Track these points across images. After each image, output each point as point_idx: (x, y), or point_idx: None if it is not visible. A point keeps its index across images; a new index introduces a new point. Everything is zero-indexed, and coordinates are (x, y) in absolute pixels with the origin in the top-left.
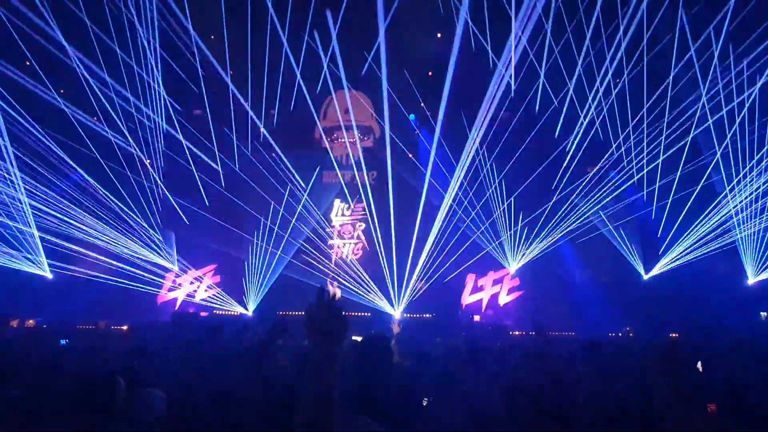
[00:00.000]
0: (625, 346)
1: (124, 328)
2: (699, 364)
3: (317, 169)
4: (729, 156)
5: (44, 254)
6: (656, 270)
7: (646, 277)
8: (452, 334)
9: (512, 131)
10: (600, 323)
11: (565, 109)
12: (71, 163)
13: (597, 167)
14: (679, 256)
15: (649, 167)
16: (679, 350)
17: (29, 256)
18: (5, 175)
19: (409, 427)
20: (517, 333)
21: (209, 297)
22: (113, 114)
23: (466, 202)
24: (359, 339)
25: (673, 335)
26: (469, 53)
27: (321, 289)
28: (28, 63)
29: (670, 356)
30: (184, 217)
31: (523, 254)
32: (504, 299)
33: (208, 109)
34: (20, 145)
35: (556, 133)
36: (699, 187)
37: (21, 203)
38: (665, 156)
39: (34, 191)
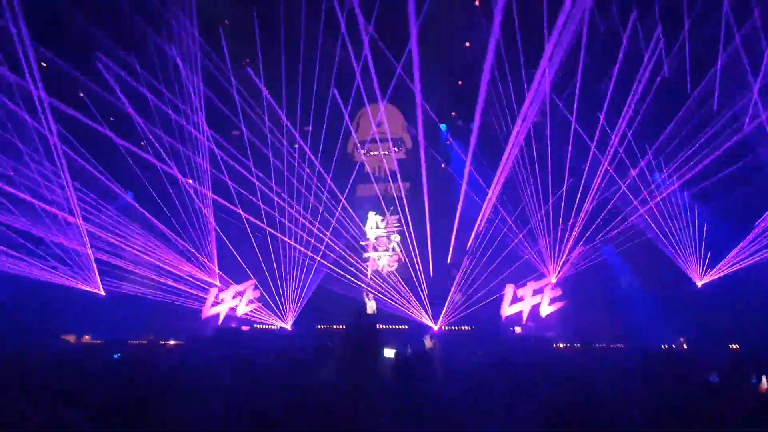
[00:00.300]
0: (684, 359)
1: (171, 342)
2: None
3: (349, 183)
4: None
5: (97, 272)
6: (710, 276)
7: (699, 284)
8: (492, 348)
9: (548, 135)
10: (650, 334)
11: (605, 109)
12: (119, 186)
13: (638, 169)
14: (735, 261)
15: (696, 166)
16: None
17: (83, 274)
18: (62, 199)
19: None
20: (561, 345)
21: (250, 311)
22: (156, 140)
23: (502, 211)
24: (391, 354)
25: (734, 346)
26: (499, 59)
27: (359, 310)
28: (81, 94)
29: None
30: (223, 235)
31: (564, 262)
32: (546, 310)
33: (243, 128)
34: (75, 171)
35: (595, 136)
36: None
37: (77, 225)
38: (713, 154)
39: (88, 214)
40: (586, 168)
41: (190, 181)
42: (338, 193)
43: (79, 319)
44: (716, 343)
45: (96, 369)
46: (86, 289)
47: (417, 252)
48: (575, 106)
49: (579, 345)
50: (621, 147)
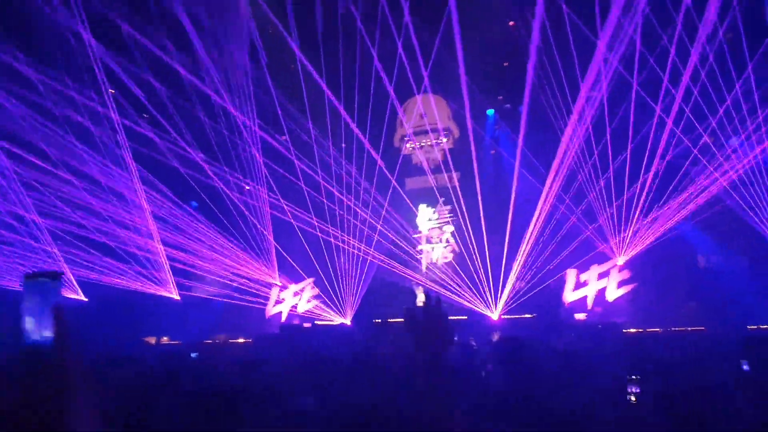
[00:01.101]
0: None
1: (240, 340)
2: None
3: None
4: None
5: (172, 278)
6: None
7: None
8: (554, 336)
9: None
10: (737, 314)
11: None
12: (185, 194)
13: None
14: None
15: None
16: None
17: (159, 280)
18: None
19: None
20: (632, 330)
21: (311, 309)
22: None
23: (559, 193)
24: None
25: None
26: (545, 34)
27: (428, 294)
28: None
29: None
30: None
31: (631, 241)
32: (613, 294)
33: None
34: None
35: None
36: None
37: (152, 233)
38: None
39: (159, 222)
40: (651, 133)
41: (247, 187)
42: (385, 188)
43: (157, 322)
44: None
45: (178, 367)
46: (163, 294)
47: (472, 241)
48: (635, 67)
49: (653, 330)
50: (687, 106)
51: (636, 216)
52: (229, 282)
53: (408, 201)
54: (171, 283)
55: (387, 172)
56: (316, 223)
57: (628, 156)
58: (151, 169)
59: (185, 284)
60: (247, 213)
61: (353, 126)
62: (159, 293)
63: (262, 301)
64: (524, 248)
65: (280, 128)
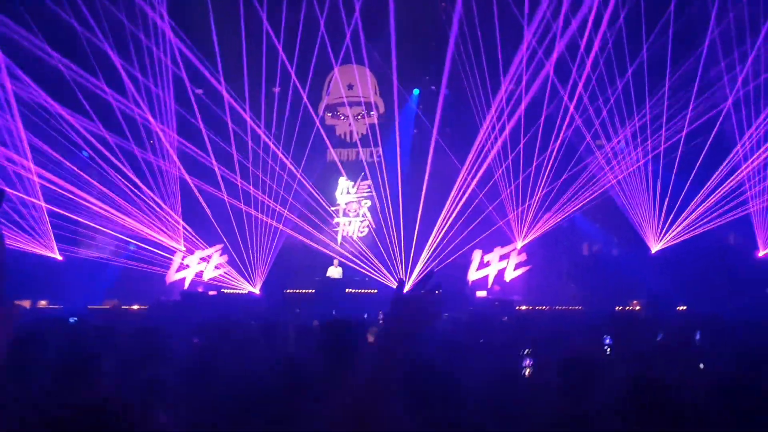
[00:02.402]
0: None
1: (135, 307)
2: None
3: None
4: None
5: (53, 235)
6: (664, 242)
7: (654, 249)
8: (458, 310)
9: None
10: (607, 297)
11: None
12: (80, 140)
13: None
14: (689, 227)
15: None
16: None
17: (37, 236)
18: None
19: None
20: (523, 307)
21: (218, 276)
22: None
23: (471, 177)
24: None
25: (681, 308)
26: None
27: (430, 273)
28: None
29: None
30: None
31: (531, 229)
32: (510, 275)
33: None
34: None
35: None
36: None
37: (30, 179)
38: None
39: (43, 167)
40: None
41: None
42: (305, 159)
43: (34, 284)
44: (666, 306)
45: (51, 333)
46: (42, 253)
47: (389, 217)
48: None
49: (540, 307)
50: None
51: (534, 202)
52: (123, 245)
53: (326, 174)
54: (52, 240)
55: (296, 139)
56: (226, 187)
57: (537, 149)
58: (36, 110)
59: (71, 244)
60: (151, 170)
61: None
62: (38, 252)
63: (162, 267)
64: (437, 228)
65: (197, 81)
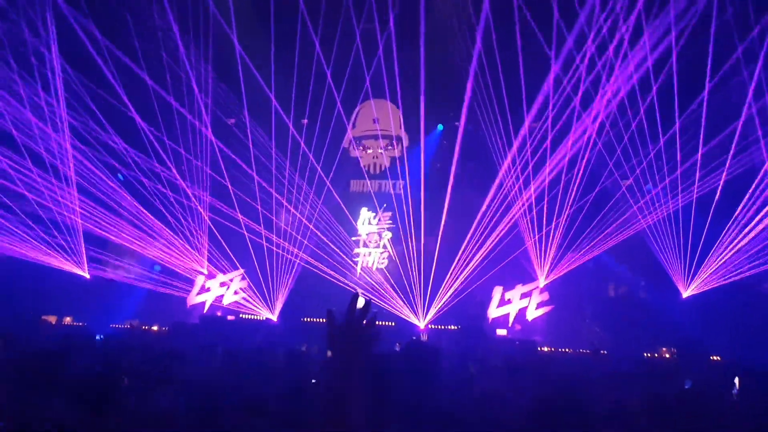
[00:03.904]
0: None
1: (154, 328)
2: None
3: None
4: None
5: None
6: (694, 287)
7: (685, 294)
8: (479, 348)
9: (547, 140)
10: (634, 342)
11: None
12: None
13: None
14: (722, 272)
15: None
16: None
17: (70, 254)
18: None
19: None
20: (545, 349)
21: (237, 301)
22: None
23: (494, 212)
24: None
25: (715, 358)
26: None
27: (355, 295)
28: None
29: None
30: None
31: (554, 267)
32: (532, 314)
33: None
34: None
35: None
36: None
37: (70, 197)
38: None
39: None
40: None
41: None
42: (331, 189)
43: (61, 300)
44: (698, 354)
45: (76, 349)
46: (73, 270)
47: (409, 250)
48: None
49: (564, 350)
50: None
51: (559, 242)
52: (149, 266)
53: (348, 205)
54: (84, 259)
55: (322, 173)
56: (249, 212)
57: (561, 188)
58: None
59: (99, 262)
60: (182, 200)
61: (290, 128)
62: (68, 269)
63: (185, 289)
64: (456, 262)
65: (228, 112)
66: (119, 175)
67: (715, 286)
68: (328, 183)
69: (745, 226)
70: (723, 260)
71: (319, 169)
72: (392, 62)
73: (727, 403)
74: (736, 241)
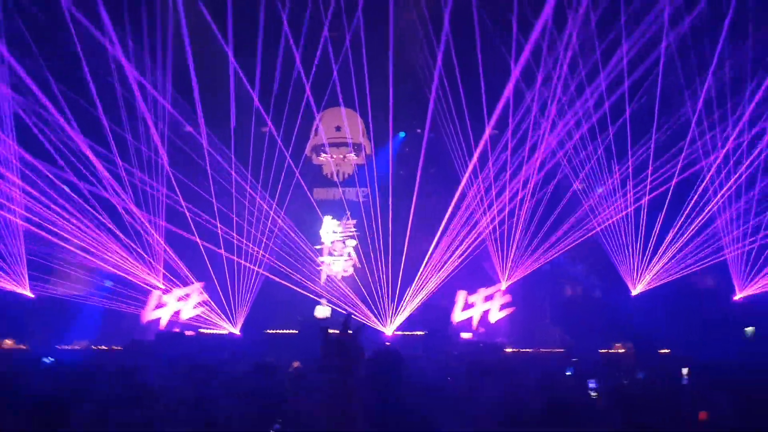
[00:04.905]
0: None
1: (104, 348)
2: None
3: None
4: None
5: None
6: (643, 285)
7: (634, 292)
8: (444, 352)
9: (505, 148)
10: (589, 339)
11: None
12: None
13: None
14: (668, 271)
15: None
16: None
17: (10, 273)
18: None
19: None
20: (509, 350)
21: (196, 315)
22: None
23: (456, 217)
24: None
25: (663, 351)
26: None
27: (348, 317)
28: None
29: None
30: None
31: (515, 269)
32: (495, 316)
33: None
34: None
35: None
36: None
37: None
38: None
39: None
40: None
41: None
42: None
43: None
44: (648, 348)
45: (23, 375)
46: (12, 289)
47: (374, 257)
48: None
49: (526, 350)
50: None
51: (518, 246)
52: (100, 281)
53: (311, 213)
54: (25, 277)
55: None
56: (207, 225)
57: (519, 192)
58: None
59: (43, 280)
60: (135, 211)
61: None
62: (8, 288)
63: (139, 305)
64: (421, 269)
65: (184, 119)
66: (63, 187)
67: (661, 283)
68: (290, 191)
69: (688, 226)
70: (670, 259)
71: (281, 177)
72: (353, 70)
73: (677, 390)
74: (680, 241)
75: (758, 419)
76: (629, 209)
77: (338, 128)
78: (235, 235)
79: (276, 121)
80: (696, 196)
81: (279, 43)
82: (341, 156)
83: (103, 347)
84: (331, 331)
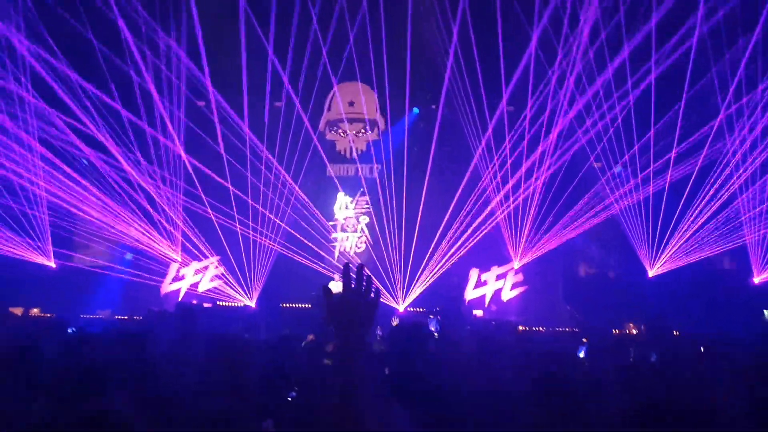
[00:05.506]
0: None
1: (125, 317)
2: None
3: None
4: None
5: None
6: (660, 266)
7: (651, 273)
8: (457, 329)
9: (521, 126)
10: (602, 319)
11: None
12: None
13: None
14: (687, 252)
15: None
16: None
17: (34, 243)
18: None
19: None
20: (521, 328)
21: (213, 288)
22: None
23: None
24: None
25: (676, 333)
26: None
27: (346, 266)
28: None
29: None
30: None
31: (528, 248)
32: (507, 295)
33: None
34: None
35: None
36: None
37: (34, 184)
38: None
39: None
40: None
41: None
42: (305, 173)
43: (26, 291)
44: (663, 330)
45: (50, 344)
46: (38, 260)
47: (387, 233)
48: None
49: (538, 329)
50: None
51: (532, 224)
52: (120, 253)
53: (325, 189)
54: (49, 248)
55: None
56: (225, 198)
57: (535, 170)
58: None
59: (66, 251)
60: (153, 178)
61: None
62: (33, 259)
63: (158, 278)
64: (433, 245)
65: (200, 95)
66: (83, 160)
67: (679, 265)
68: (304, 167)
69: (708, 208)
70: (688, 240)
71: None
72: (368, 44)
73: (689, 372)
74: (697, 223)
75: None
76: (649, 189)
77: (352, 103)
78: (250, 208)
79: (290, 96)
80: (717, 179)
81: (293, 16)
82: (355, 132)
83: (124, 317)
84: (335, 290)
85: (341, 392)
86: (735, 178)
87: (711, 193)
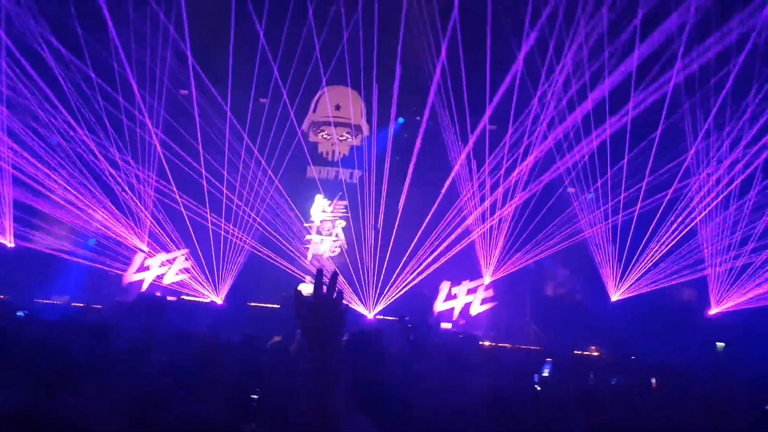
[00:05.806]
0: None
1: (81, 305)
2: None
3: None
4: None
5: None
6: (623, 292)
7: (614, 298)
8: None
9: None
10: (566, 340)
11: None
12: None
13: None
14: (648, 280)
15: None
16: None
17: None
18: None
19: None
20: (486, 343)
21: (180, 281)
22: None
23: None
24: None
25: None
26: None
27: (319, 271)
28: None
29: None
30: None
31: (500, 265)
32: (476, 309)
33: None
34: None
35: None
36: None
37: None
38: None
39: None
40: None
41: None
42: (285, 173)
43: None
44: (622, 354)
45: None
46: None
47: (363, 241)
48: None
49: (503, 345)
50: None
51: (505, 242)
52: (83, 239)
53: (303, 190)
54: (9, 226)
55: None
56: (199, 192)
57: (511, 190)
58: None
59: (25, 232)
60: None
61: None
62: None
63: (122, 266)
64: (407, 256)
65: (181, 85)
66: (53, 139)
67: (640, 292)
68: (282, 167)
69: (671, 239)
70: (647, 269)
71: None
72: (359, 50)
73: (646, 396)
74: (660, 253)
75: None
76: (618, 217)
77: (338, 107)
78: (224, 203)
79: (275, 94)
80: (681, 213)
81: (287, 14)
82: (339, 136)
83: (81, 304)
84: (306, 292)
85: (314, 395)
86: (698, 213)
87: (675, 226)
